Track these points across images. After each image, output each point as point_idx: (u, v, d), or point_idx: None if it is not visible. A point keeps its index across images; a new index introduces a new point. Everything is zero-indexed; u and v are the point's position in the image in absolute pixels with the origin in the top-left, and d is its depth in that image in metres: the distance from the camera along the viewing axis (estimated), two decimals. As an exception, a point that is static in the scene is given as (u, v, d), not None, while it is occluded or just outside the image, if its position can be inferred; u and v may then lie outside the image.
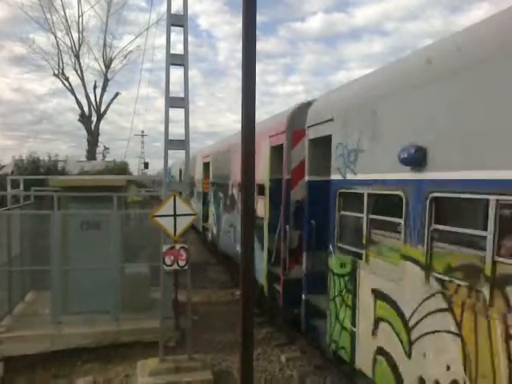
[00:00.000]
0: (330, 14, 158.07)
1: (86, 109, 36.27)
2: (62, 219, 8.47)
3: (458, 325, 3.86)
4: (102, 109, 37.06)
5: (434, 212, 4.20)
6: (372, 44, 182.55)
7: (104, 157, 37.92)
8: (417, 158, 4.31)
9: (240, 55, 5.46)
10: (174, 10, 7.99)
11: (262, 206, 9.33)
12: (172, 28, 7.91)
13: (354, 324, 5.71)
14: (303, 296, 7.36)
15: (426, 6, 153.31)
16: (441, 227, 4.14)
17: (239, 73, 5.51)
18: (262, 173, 8.94)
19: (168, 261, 7.06)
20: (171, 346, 8.01)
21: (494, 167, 3.47)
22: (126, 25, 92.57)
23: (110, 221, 8.54)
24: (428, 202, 4.22)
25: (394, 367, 4.81)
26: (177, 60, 7.95)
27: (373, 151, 5.23)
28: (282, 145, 8.35)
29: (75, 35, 35.74)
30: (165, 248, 7.05)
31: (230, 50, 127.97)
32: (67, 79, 36.03)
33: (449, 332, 3.95)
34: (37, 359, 7.65)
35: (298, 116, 7.90)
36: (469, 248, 3.86)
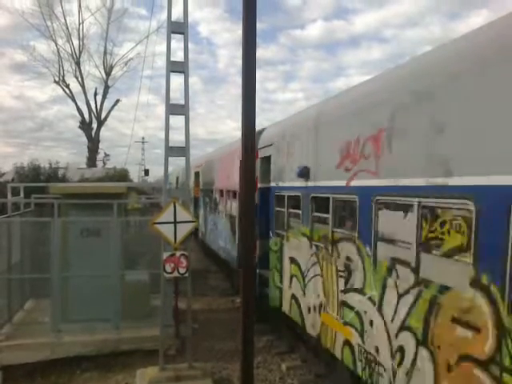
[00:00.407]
0: (330, 21, 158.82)
1: (86, 116, 36.45)
2: (62, 226, 8.45)
3: (321, 269, 6.70)
4: (103, 116, 37.23)
5: (314, 205, 7.01)
6: (371, 51, 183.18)
7: (104, 164, 37.98)
8: (305, 174, 7.07)
9: (240, 62, 5.49)
10: (174, 18, 8.03)
11: (235, 207, 11.85)
12: (172, 35, 7.95)
13: (281, 282, 8.56)
14: (257, 271, 9.62)
15: (426, 13, 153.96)
16: (316, 214, 6.98)
17: (239, 80, 5.53)
18: (235, 182, 11.19)
19: (168, 268, 7.03)
20: (171, 355, 7.96)
21: (330, 179, 6.39)
22: (127, 32, 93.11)
23: (110, 228, 8.52)
24: (310, 199, 7.06)
25: (298, 304, 7.67)
26: (177, 67, 7.98)
27: (289, 168, 7.99)
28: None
29: (76, 42, 36.01)
30: (165, 255, 7.03)
31: (230, 57, 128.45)
32: (68, 86, 36.24)
33: (318, 275, 6.84)
34: (36, 368, 7.60)
35: (256, 140, 9.82)
36: (325, 225, 6.59)
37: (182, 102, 8.02)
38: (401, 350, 4.70)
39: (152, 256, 8.95)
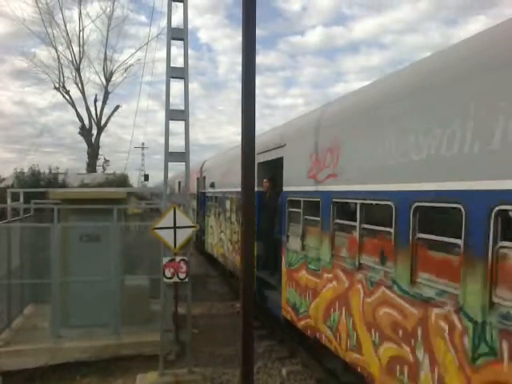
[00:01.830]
0: (329, 27, 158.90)
1: (86, 122, 36.50)
2: (62, 232, 8.46)
3: (220, 228, 14.21)
4: (103, 121, 37.31)
5: (216, 200, 14.95)
6: (370, 57, 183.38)
7: (104, 169, 38.04)
8: (212, 185, 15.43)
9: (240, 68, 5.52)
10: (174, 24, 8.07)
11: (195, 204, 19.63)
12: (172, 42, 8.00)
13: (208, 239, 17.12)
14: (203, 238, 18.38)
15: (425, 19, 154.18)
16: (216, 204, 14.96)
17: (239, 85, 5.56)
18: (194, 188, 19.32)
19: (168, 273, 7.04)
20: (171, 360, 7.94)
21: (220, 188, 14.23)
22: (127, 39, 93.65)
23: (109, 233, 8.53)
24: (214, 197, 15.31)
25: (212, 247, 16.10)
26: (177, 73, 8.01)
27: (209, 182, 16.36)
28: (198, 177, 18.82)
29: (76, 49, 36.13)
30: (165, 260, 7.04)
31: (230, 64, 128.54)
32: (68, 93, 36.34)
33: (218, 231, 14.89)
34: (36, 373, 7.57)
35: (201, 168, 18.31)
36: (219, 208, 14.57)
37: (182, 107, 8.06)
38: (227, 246, 12.72)
39: (152, 261, 8.96)
